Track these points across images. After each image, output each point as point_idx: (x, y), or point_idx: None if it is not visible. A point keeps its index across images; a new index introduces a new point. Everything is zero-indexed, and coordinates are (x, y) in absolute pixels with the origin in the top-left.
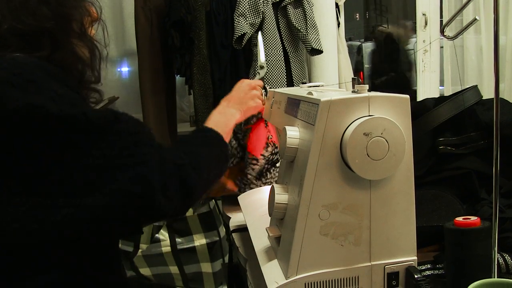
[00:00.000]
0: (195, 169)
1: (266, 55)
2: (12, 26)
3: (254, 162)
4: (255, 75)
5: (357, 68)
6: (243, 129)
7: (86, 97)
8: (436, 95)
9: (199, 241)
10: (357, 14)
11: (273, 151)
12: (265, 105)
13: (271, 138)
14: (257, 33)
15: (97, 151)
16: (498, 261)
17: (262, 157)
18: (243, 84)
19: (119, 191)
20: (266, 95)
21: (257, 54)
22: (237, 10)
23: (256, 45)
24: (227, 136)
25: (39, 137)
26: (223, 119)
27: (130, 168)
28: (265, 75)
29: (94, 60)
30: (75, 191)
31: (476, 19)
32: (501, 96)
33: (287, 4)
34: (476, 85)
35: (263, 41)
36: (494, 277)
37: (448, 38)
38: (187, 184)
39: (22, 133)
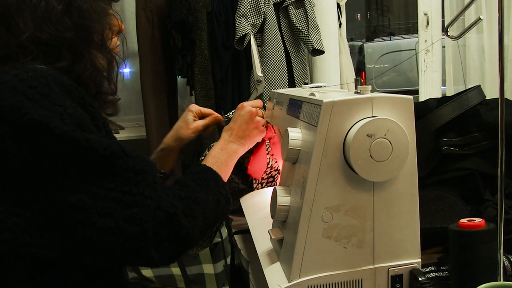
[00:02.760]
0: (189, 217)
1: (267, 56)
2: (33, 34)
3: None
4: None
5: (359, 68)
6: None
7: (101, 109)
8: (438, 95)
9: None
10: (359, 14)
11: (268, 177)
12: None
13: (271, 164)
14: (259, 33)
15: (96, 180)
16: (503, 263)
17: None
18: (244, 112)
19: (112, 228)
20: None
21: (259, 54)
22: (238, 11)
23: (257, 45)
24: (227, 175)
25: (38, 152)
26: (224, 156)
27: (127, 207)
28: (265, 83)
29: (112, 72)
30: (67, 212)
31: (480, 18)
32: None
33: (289, 4)
34: (479, 85)
35: (264, 41)
36: (500, 280)
37: (452, 38)
38: (179, 235)
39: (25, 146)
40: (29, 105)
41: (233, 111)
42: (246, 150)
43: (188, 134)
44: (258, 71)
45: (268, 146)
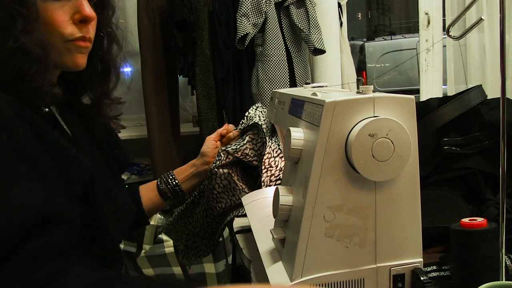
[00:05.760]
0: None
1: (268, 55)
2: None
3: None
4: (257, 76)
5: (360, 68)
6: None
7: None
8: (440, 95)
9: None
10: (359, 14)
11: (277, 179)
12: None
13: (280, 166)
14: (260, 33)
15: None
16: (505, 263)
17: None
18: None
19: None
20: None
21: (260, 54)
22: (240, 10)
23: (259, 45)
24: None
25: None
26: None
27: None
28: (267, 83)
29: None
30: None
31: (482, 19)
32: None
33: (290, 4)
34: (481, 85)
35: (265, 40)
36: (502, 280)
37: (453, 38)
38: None
39: None
40: None
41: (242, 121)
42: None
43: (213, 156)
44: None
45: (278, 148)
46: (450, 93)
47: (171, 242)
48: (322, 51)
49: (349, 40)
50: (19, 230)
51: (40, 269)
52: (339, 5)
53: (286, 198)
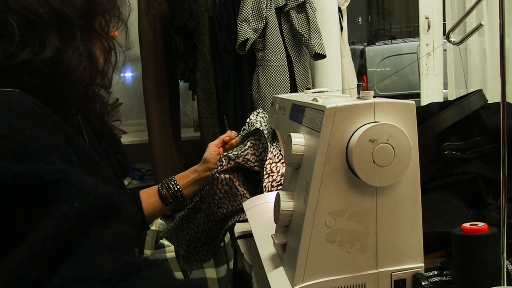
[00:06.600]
0: None
1: (269, 60)
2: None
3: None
4: (258, 81)
5: (360, 72)
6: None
7: (92, 101)
8: (440, 99)
9: None
10: (360, 18)
11: (278, 184)
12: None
13: (282, 172)
14: (261, 38)
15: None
16: (507, 267)
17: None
18: None
19: None
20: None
21: (261, 59)
22: (240, 15)
23: (259, 50)
24: None
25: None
26: None
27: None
28: (267, 88)
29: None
30: None
31: (481, 24)
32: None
33: (290, 9)
34: (481, 89)
35: (266, 45)
36: (504, 285)
37: (453, 44)
38: None
39: None
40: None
41: (244, 127)
42: None
43: (216, 162)
44: None
45: (279, 154)
46: (451, 97)
47: (172, 247)
48: (322, 56)
49: (349, 45)
50: (91, 212)
51: (115, 258)
52: (340, 10)
53: (287, 204)
